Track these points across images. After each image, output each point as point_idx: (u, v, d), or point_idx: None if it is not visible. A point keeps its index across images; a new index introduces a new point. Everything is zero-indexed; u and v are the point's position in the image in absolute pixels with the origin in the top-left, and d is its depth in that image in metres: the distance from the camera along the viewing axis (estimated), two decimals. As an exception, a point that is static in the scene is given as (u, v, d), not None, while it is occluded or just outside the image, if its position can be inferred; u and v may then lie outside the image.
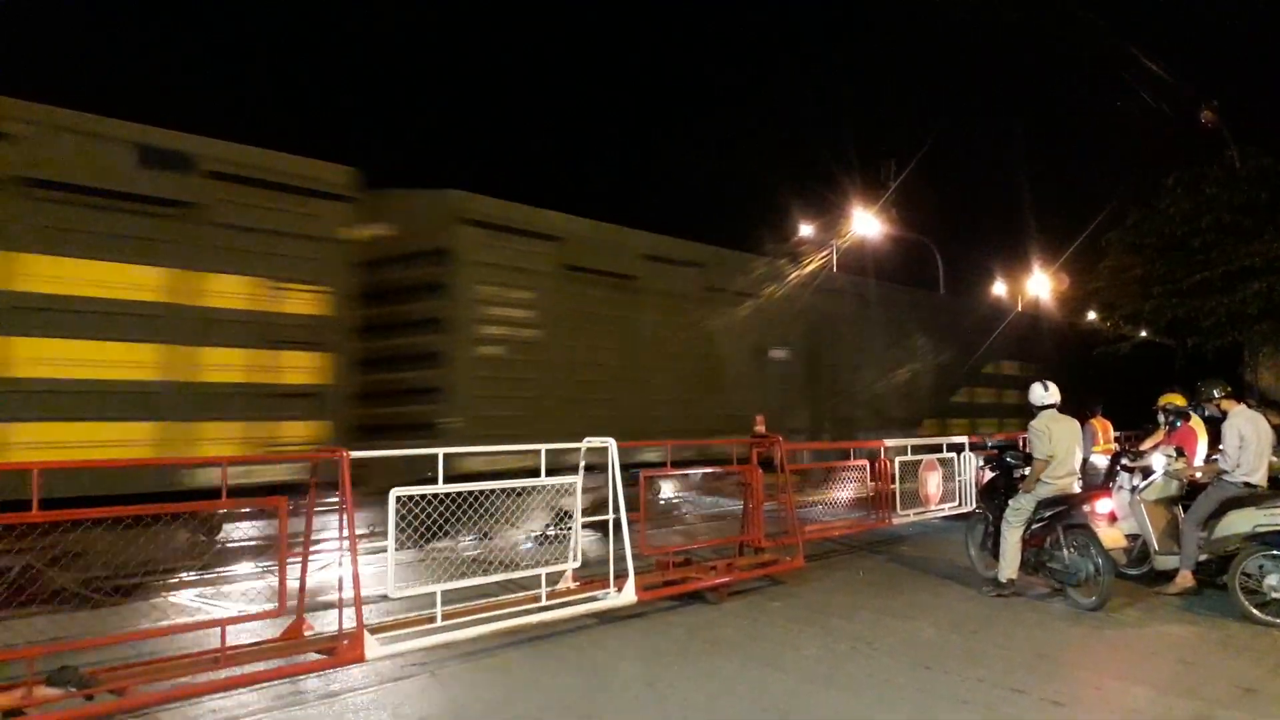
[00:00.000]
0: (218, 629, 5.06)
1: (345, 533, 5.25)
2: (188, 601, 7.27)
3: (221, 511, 7.56)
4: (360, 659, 5.13)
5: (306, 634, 5.48)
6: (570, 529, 6.66)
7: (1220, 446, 7.51)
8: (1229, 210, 15.42)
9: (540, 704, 4.89)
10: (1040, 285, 32.21)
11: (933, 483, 10.86)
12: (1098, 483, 8.38)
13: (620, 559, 6.64)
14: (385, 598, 5.56)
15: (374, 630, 5.36)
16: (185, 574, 7.91)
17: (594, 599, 6.56)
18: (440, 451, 5.90)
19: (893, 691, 5.08)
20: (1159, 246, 16.94)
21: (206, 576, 8.06)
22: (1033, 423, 7.56)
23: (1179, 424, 8.30)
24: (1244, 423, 7.31)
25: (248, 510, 8.02)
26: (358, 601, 5.18)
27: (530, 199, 9.95)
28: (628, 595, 6.60)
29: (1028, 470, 7.55)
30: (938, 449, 11.20)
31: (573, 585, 6.81)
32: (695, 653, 5.87)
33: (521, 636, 6.11)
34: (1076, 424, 7.66)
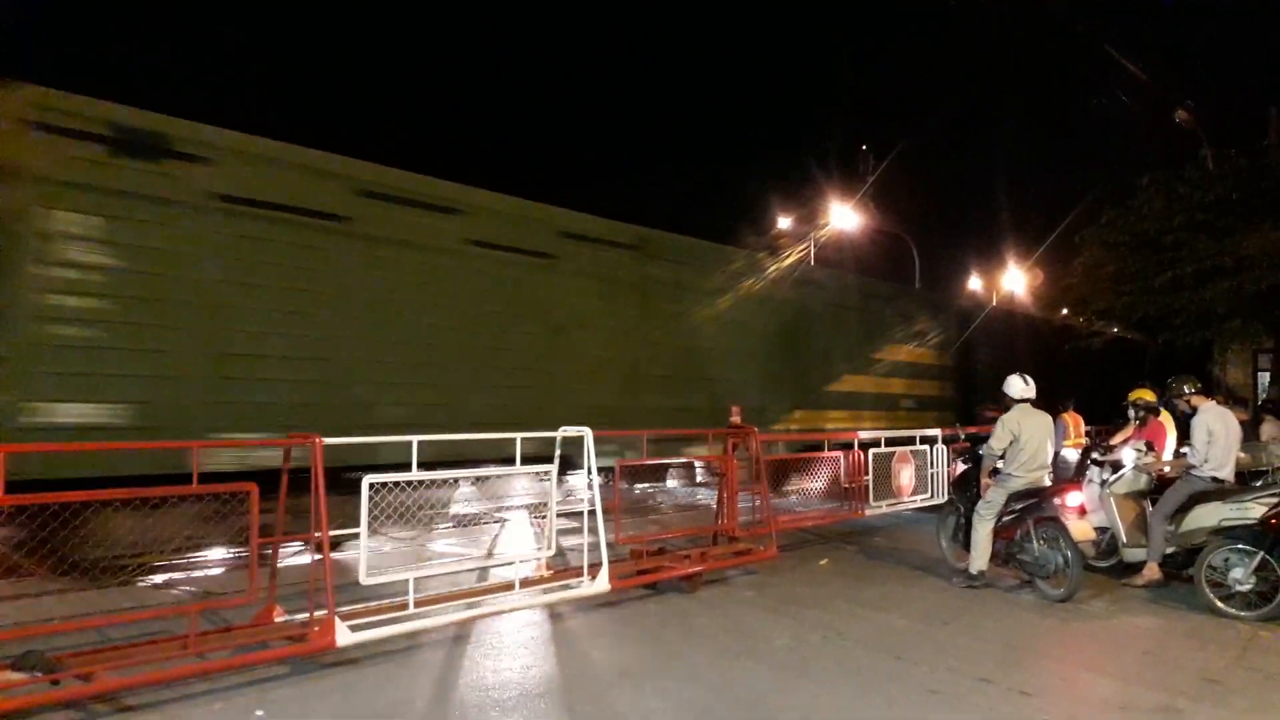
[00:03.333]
0: (187, 615, 5.00)
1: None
2: (157, 587, 7.19)
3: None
4: (331, 646, 5.09)
5: (277, 620, 5.44)
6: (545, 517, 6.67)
7: (1189, 441, 7.61)
8: (1201, 209, 15.58)
9: (512, 692, 4.88)
10: (1015, 281, 32.50)
11: (905, 475, 10.94)
12: (1068, 476, 8.48)
13: (594, 548, 6.64)
14: (357, 584, 5.51)
15: (345, 617, 5.32)
16: (155, 559, 7.86)
17: (567, 587, 6.56)
18: (414, 439, 5.87)
19: (864, 681, 5.12)
20: (1132, 244, 17.07)
21: (176, 562, 8.00)
22: (1004, 415, 7.62)
23: (1149, 419, 8.41)
24: (1213, 419, 7.42)
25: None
26: (329, 588, 5.14)
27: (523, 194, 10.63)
28: (601, 584, 6.59)
29: (1000, 464, 7.61)
30: (910, 441, 11.30)
31: (546, 574, 6.80)
32: (668, 641, 5.88)
33: (494, 624, 6.10)
34: (1048, 418, 7.73)
